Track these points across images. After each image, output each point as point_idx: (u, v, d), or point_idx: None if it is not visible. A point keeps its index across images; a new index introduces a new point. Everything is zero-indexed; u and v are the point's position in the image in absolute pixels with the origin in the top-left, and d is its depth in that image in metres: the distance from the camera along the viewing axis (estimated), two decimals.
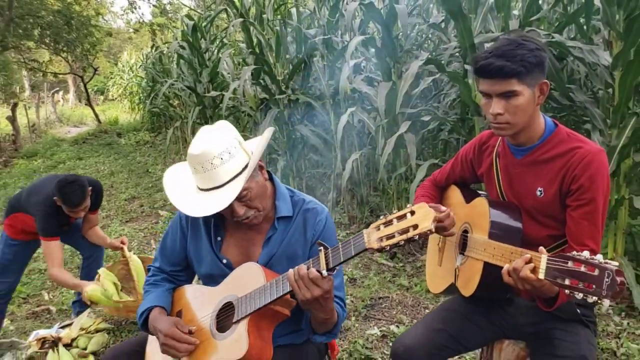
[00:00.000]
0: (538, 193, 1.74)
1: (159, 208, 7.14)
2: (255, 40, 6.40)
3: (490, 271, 1.68)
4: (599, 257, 1.25)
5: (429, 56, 4.39)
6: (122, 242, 3.81)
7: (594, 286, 1.23)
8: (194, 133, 8.79)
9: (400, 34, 4.79)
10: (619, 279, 1.21)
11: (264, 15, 6.43)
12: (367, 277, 4.25)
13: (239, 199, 1.64)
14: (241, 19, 6.22)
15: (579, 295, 1.26)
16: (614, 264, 1.22)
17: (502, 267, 1.55)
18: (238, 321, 1.64)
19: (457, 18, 3.78)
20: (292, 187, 1.91)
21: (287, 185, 1.91)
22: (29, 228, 3.38)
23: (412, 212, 1.33)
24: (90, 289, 3.23)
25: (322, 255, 1.49)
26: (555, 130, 1.74)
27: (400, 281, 4.12)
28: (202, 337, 1.71)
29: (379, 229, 1.38)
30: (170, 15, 23.91)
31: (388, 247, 1.36)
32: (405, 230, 1.33)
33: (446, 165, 2.15)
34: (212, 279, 1.84)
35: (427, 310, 3.62)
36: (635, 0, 3.19)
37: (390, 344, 3.19)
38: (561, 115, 4.19)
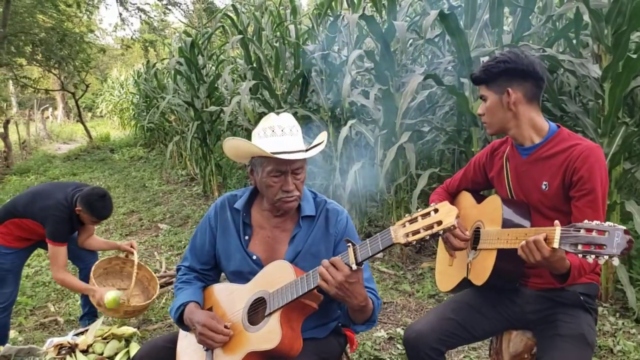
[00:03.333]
0: (543, 187, 1.92)
1: (158, 221, 7.19)
2: (253, 56, 6.56)
3: (503, 258, 1.84)
4: (608, 223, 1.40)
5: (425, 70, 4.55)
6: (132, 246, 3.82)
7: (605, 246, 1.38)
8: (192, 148, 8.90)
9: (398, 48, 4.95)
10: (627, 237, 1.36)
11: (263, 32, 6.59)
12: None
13: (295, 172, 1.82)
14: (240, 36, 6.37)
15: (591, 258, 1.40)
16: (621, 226, 1.37)
17: (514, 251, 1.68)
18: (270, 314, 1.75)
19: (454, 34, 3.95)
20: (314, 190, 2.05)
21: (310, 188, 2.04)
22: (26, 234, 3.43)
23: (436, 210, 1.46)
24: (109, 299, 3.33)
25: (350, 250, 1.61)
26: (557, 131, 1.95)
27: (403, 287, 4.25)
28: (235, 330, 1.82)
29: (404, 226, 1.50)
30: (158, 32, 24.05)
31: (414, 242, 1.49)
32: (430, 227, 1.46)
33: (457, 173, 2.33)
34: (240, 276, 1.94)
35: None
36: (622, 17, 3.38)
37: (397, 345, 3.32)
38: None
